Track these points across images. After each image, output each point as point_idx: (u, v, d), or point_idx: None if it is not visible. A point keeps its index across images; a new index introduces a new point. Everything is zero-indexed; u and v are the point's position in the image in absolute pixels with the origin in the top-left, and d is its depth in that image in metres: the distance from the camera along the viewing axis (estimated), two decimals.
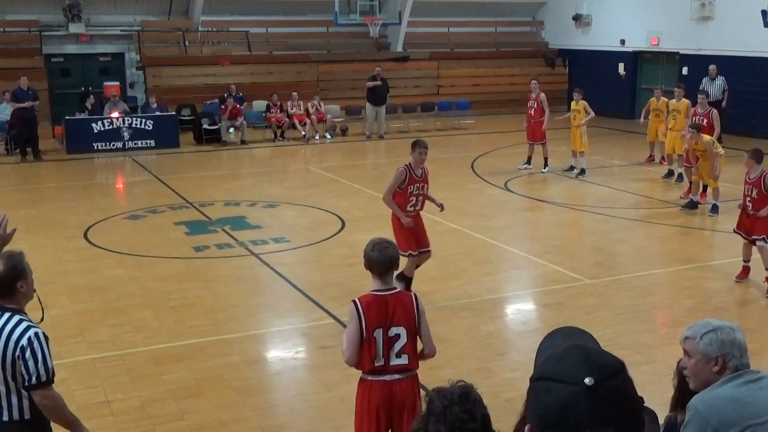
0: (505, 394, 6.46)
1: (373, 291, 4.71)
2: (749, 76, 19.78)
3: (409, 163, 8.64)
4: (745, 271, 9.48)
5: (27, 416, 4.04)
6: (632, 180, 15.91)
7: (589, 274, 9.81)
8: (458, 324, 8.27)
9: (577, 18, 26.48)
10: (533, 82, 16.92)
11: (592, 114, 16.05)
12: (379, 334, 4.61)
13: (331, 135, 21.38)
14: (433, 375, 6.77)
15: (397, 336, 4.64)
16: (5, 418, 4.02)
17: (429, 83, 25.94)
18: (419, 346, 4.79)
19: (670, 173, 15.47)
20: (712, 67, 19.58)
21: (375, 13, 22.44)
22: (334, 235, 11.69)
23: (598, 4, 25.91)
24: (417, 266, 8.90)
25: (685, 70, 22.65)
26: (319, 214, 13.00)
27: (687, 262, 10.53)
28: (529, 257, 10.71)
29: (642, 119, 16.96)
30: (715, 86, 19.04)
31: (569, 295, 9.08)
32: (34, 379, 3.93)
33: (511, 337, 8.21)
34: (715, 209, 12.68)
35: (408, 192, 8.55)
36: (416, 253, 8.70)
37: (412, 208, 8.62)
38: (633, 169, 16.91)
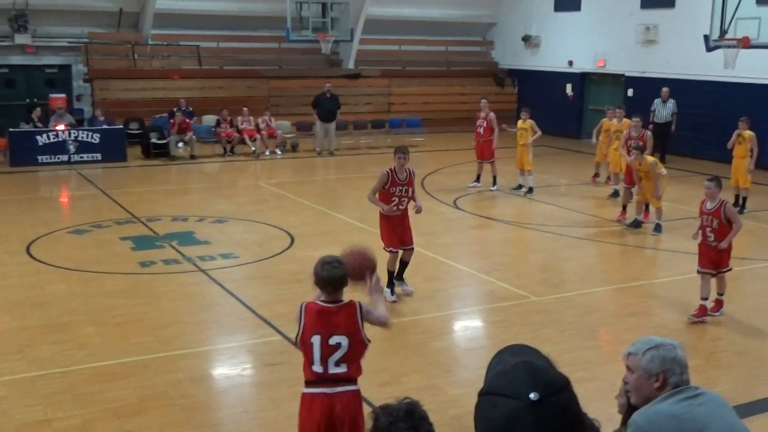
0: (453, 410, 6.49)
1: (321, 300, 4.83)
2: (692, 99, 20.29)
3: (393, 168, 9.41)
4: (703, 309, 8.84)
5: None
6: (579, 199, 16.17)
7: (536, 291, 9.93)
8: (406, 341, 8.29)
9: (526, 39, 26.92)
10: (483, 101, 17.14)
11: (539, 133, 16.29)
12: (316, 340, 4.70)
13: (281, 151, 21.32)
14: (380, 392, 6.78)
15: (338, 345, 4.72)
16: None
17: (380, 100, 26.07)
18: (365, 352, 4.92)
19: (616, 193, 15.77)
20: (664, 90, 20.01)
21: (327, 30, 22.48)
22: (283, 251, 11.63)
23: (546, 26, 26.39)
24: (405, 262, 9.61)
25: (630, 92, 23.16)
26: (268, 230, 12.93)
27: (631, 280, 10.72)
28: (477, 274, 10.79)
29: (594, 140, 17.28)
30: (666, 109, 19.48)
31: (516, 312, 9.16)
32: None
33: (459, 354, 8.24)
34: (658, 228, 12.95)
35: (391, 193, 9.35)
36: (397, 250, 9.45)
37: (396, 208, 9.38)
38: (580, 188, 17.19)
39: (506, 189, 16.55)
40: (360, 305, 4.83)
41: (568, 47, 25.47)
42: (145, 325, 8.59)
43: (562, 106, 25.59)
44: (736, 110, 17.44)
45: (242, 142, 20.83)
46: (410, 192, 9.42)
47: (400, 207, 9.41)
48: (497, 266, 11.12)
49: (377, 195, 9.41)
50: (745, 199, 14.82)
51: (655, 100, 19.82)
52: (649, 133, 14.49)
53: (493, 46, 29.08)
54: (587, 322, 8.95)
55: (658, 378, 3.28)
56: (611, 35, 23.85)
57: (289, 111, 23.73)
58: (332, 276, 4.72)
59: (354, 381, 4.83)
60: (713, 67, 18.97)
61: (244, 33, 24.86)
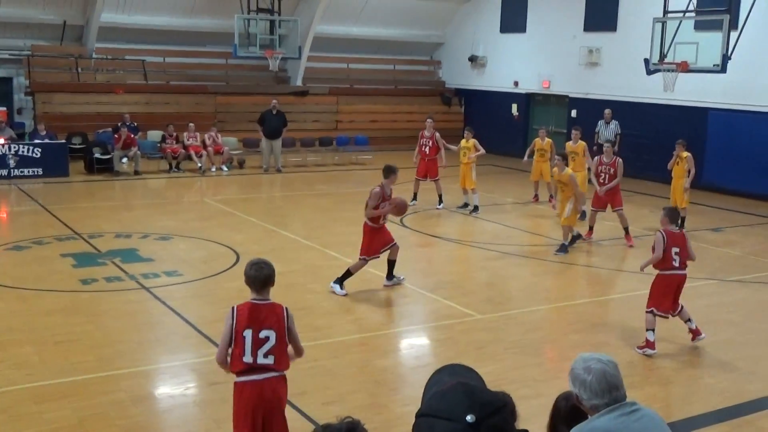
0: (397, 429, 6.50)
1: (250, 300, 5.40)
2: (634, 121, 20.76)
3: (382, 185, 10.47)
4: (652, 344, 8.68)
5: None
6: (524, 217, 16.39)
7: (481, 309, 10.02)
8: (351, 359, 8.29)
9: (473, 59, 27.28)
10: (428, 120, 17.30)
11: (482, 151, 16.51)
12: (248, 334, 5.25)
13: (227, 167, 21.18)
14: (324, 411, 6.78)
15: (267, 338, 5.27)
16: None
17: (328, 118, 26.11)
18: (290, 350, 5.45)
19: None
20: (607, 111, 20.41)
21: (275, 46, 22.47)
22: (229, 268, 11.53)
23: (493, 46, 26.77)
24: (393, 260, 10.61)
25: (574, 113, 23.61)
26: (214, 247, 12.81)
27: (574, 298, 10.90)
28: (422, 292, 10.84)
29: (525, 158, 17.53)
30: (608, 130, 19.88)
31: (461, 330, 9.23)
32: None
33: (404, 372, 8.26)
34: (563, 248, 12.86)
35: (380, 208, 10.34)
36: (370, 259, 10.45)
37: (383, 220, 10.51)
38: (525, 207, 17.41)
39: (452, 207, 16.68)
40: (287, 311, 5.39)
41: (514, 68, 25.88)
42: (85, 344, 8.43)
43: (508, 126, 25.96)
44: (675, 132, 17.94)
45: (188, 158, 20.64)
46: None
47: (385, 219, 10.63)
48: (442, 284, 11.19)
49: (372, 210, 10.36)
50: (683, 219, 15.19)
51: (599, 122, 20.24)
52: (620, 160, 14.27)
53: (441, 66, 29.39)
54: (531, 340, 9.06)
55: (577, 398, 3.38)
56: (556, 57, 24.31)
57: (235, 127, 23.62)
58: (260, 275, 5.36)
59: (282, 370, 5.38)
60: (653, 90, 19.45)
61: (191, 48, 24.72)
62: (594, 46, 23.02)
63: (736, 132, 19.38)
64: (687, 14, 17.01)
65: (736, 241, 14.58)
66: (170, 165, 20.53)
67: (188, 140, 20.82)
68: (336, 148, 23.85)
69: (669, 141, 16.70)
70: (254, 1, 22.18)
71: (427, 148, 16.85)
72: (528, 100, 25.81)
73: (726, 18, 15.89)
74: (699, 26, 17.25)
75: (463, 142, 16.71)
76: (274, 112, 21.45)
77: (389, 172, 10.73)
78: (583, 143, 15.79)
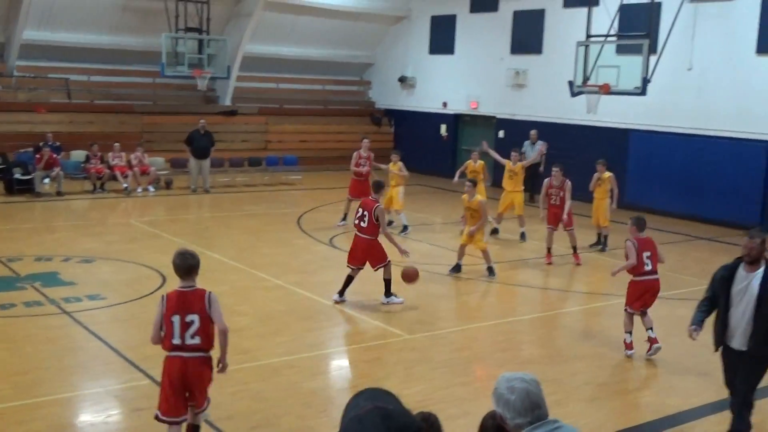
0: None
1: (178, 288, 6.11)
2: (558, 141, 21.17)
3: (378, 199, 11.01)
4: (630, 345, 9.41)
5: None
6: (453, 237, 16.49)
7: (409, 329, 10.04)
8: (280, 382, 8.20)
9: (402, 80, 27.53)
10: (365, 140, 17.42)
11: (405, 173, 16.72)
12: (176, 319, 5.98)
13: (154, 188, 20.83)
14: None
15: (192, 322, 5.99)
16: None
17: (257, 138, 25.96)
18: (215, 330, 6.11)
19: (495, 231, 16.22)
20: (533, 132, 20.83)
21: (203, 66, 22.28)
22: (155, 291, 11.30)
23: (422, 67, 27.08)
24: (388, 279, 10.99)
25: (501, 134, 24.01)
26: (139, 269, 12.56)
27: (501, 316, 11.03)
28: (351, 313, 10.82)
29: (456, 179, 17.70)
30: (534, 150, 20.26)
31: (390, 351, 9.24)
32: None
33: (333, 395, 8.21)
34: (491, 271, 12.83)
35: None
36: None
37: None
38: (454, 227, 17.55)
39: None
40: (209, 296, 6.10)
41: (443, 89, 26.21)
42: (1, 371, 8.14)
43: (437, 146, 26.24)
44: (599, 152, 18.35)
45: (113, 178, 20.23)
46: None
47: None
48: (372, 305, 11.19)
49: (373, 229, 10.86)
50: (606, 237, 15.56)
51: (525, 142, 20.62)
52: (569, 182, 14.42)
53: (370, 86, 29.56)
54: (459, 359, 9.12)
55: (501, 417, 3.42)
56: (483, 78, 24.72)
57: (163, 147, 23.27)
58: (184, 264, 6.11)
59: (207, 350, 6.09)
60: (578, 111, 19.95)
61: (117, 67, 24.29)
62: (520, 68, 23.49)
63: (656, 152, 20.00)
64: (609, 38, 17.53)
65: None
66: (94, 186, 20.08)
67: (113, 160, 20.43)
68: (265, 168, 23.72)
69: (593, 161, 17.10)
70: (182, 20, 21.96)
71: (364, 168, 16.94)
72: (456, 120, 26.15)
73: (646, 42, 16.43)
74: (620, 50, 17.78)
75: (390, 165, 16.82)
76: (202, 131, 21.23)
77: (380, 186, 11.28)
78: (521, 164, 16.14)
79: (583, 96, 17.84)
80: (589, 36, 17.66)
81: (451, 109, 26.07)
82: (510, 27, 23.87)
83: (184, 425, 6.19)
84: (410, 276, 10.88)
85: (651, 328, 9.35)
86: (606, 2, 18.30)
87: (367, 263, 11.01)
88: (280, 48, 26.51)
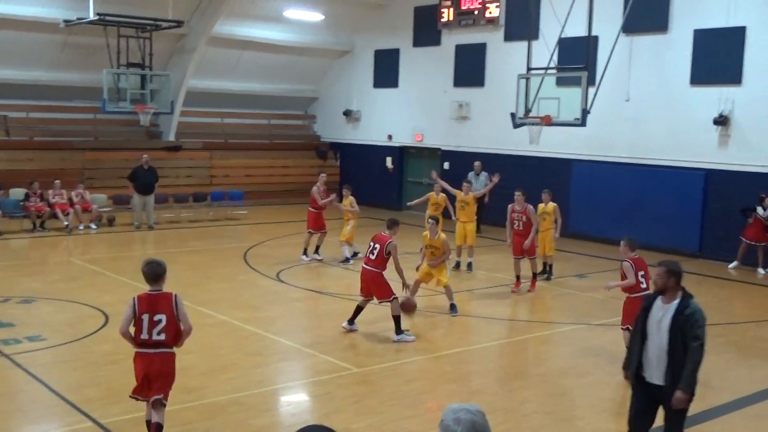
0: None
1: (147, 291, 7.01)
2: (503, 172, 21.28)
3: (392, 237, 11.32)
4: None
5: None
6: (404, 269, 16.51)
7: (358, 362, 10.00)
8: (227, 420, 8.06)
9: (347, 113, 27.67)
10: (322, 175, 17.76)
11: (357, 209, 16.88)
12: (145, 317, 6.89)
13: (96, 225, 20.46)
14: None
15: (160, 320, 6.89)
16: None
17: (202, 173, 25.75)
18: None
19: (457, 265, 16.26)
20: (477, 164, 21.09)
21: (146, 101, 22.05)
22: (97, 331, 11.06)
23: (366, 101, 27.27)
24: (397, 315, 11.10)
25: (446, 165, 24.23)
26: (81, 309, 12.28)
27: (450, 347, 11.04)
28: (300, 348, 10.73)
29: (410, 203, 18.04)
30: (479, 181, 20.49)
31: (338, 385, 9.17)
32: None
33: (281, 431, 8.10)
34: (454, 309, 12.61)
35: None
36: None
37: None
38: (402, 258, 17.55)
39: (333, 262, 16.70)
40: (176, 298, 7.00)
41: (388, 122, 26.42)
42: None
43: (383, 179, 26.37)
44: (542, 182, 18.68)
45: (54, 216, 19.82)
46: None
47: None
48: (320, 339, 11.12)
49: (383, 263, 11.27)
50: (551, 266, 15.75)
51: (470, 173, 20.85)
52: (531, 207, 14.60)
53: (315, 120, 29.63)
54: (408, 391, 9.09)
55: None
56: (427, 111, 25.00)
57: (105, 184, 22.94)
58: (152, 272, 7.00)
59: (170, 346, 7.00)
60: (521, 143, 20.27)
61: (57, 103, 23.94)
62: (464, 100, 23.83)
63: (598, 182, 20.40)
64: (549, 71, 17.88)
65: (600, 286, 15.15)
66: (34, 224, 19.64)
67: (54, 198, 20.03)
68: (210, 203, 23.51)
69: (537, 191, 17.37)
70: (124, 56, 21.77)
71: (325, 200, 17.08)
72: (402, 153, 26.33)
73: (584, 75, 16.80)
74: (560, 82, 18.15)
75: (343, 200, 16.92)
76: (146, 167, 20.98)
77: (395, 224, 11.67)
78: (473, 194, 16.32)
79: (525, 127, 18.12)
80: (529, 69, 17.99)
81: (397, 142, 26.27)
82: (453, 60, 24.22)
83: (150, 425, 7.05)
84: (409, 308, 11.31)
85: None
86: (545, 36, 18.71)
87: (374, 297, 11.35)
88: (225, 83, 26.47)
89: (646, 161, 19.54)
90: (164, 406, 7.02)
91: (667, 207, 19.03)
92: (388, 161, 26.47)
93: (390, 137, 26.42)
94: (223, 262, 16.58)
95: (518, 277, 14.42)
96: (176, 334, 6.99)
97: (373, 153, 26.85)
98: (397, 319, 11.01)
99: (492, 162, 21.64)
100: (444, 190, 16.76)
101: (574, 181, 20.86)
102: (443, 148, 24.63)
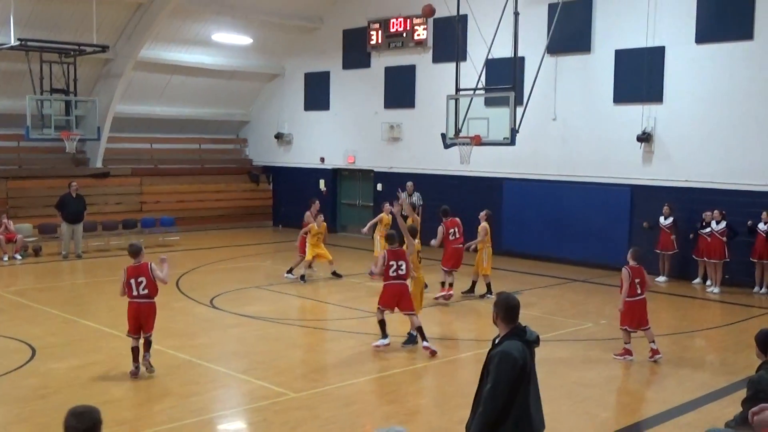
0: None
1: (131, 264, 10.34)
2: (435, 192, 21.63)
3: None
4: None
5: None
6: (336, 292, 16.49)
7: (295, 387, 9.90)
8: None
9: (279, 137, 27.56)
10: (317, 201, 18.42)
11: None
12: (133, 281, 10.24)
13: (21, 256, 19.88)
14: None
15: (142, 281, 10.26)
16: None
17: (131, 199, 25.27)
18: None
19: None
20: (409, 184, 21.21)
21: (72, 128, 21.55)
22: (23, 365, 10.71)
23: (298, 124, 27.22)
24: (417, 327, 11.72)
25: (379, 186, 24.33)
26: (6, 342, 11.87)
27: (387, 369, 11.01)
28: (235, 375, 10.57)
29: (365, 230, 18.10)
30: (411, 201, 20.59)
31: (275, 411, 9.05)
32: None
33: None
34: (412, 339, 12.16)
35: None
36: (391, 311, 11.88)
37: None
38: (336, 281, 17.55)
39: (263, 285, 16.56)
40: (150, 265, 10.40)
41: (320, 144, 26.41)
42: None
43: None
44: (475, 201, 18.94)
45: None
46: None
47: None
48: (256, 364, 10.98)
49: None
50: (489, 284, 15.87)
51: (402, 193, 20.92)
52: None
53: (247, 144, 29.43)
54: (346, 414, 9.03)
55: None
56: (359, 133, 25.09)
57: (30, 213, 22.31)
58: (132, 250, 10.50)
59: (152, 297, 10.37)
60: (452, 162, 20.46)
61: None
62: (395, 121, 24.00)
63: (528, 199, 20.75)
64: (477, 92, 18.14)
65: (534, 302, 15.42)
66: None
67: None
68: (141, 230, 23.08)
69: (470, 210, 17.59)
70: (48, 82, 21.28)
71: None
72: (335, 175, 26.33)
73: (511, 95, 17.09)
74: (489, 102, 18.42)
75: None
76: (74, 195, 20.51)
77: (393, 239, 12.01)
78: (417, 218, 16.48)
79: (456, 147, 18.31)
80: (458, 89, 18.22)
81: (329, 164, 26.27)
82: (383, 82, 24.40)
83: (141, 342, 10.28)
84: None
85: (653, 341, 11.35)
86: (473, 57, 19.02)
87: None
88: (153, 108, 26.10)
89: (574, 178, 19.97)
90: (150, 343, 10.38)
91: (596, 223, 19.46)
92: (321, 184, 26.43)
93: (322, 160, 26.41)
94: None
95: (449, 284, 15.36)
96: (154, 288, 10.35)
97: (306, 176, 26.78)
98: (420, 330, 11.70)
99: (424, 182, 21.82)
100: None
101: (506, 199, 21.16)
102: (376, 169, 24.73)
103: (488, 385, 5.29)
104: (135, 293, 10.23)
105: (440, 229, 15.92)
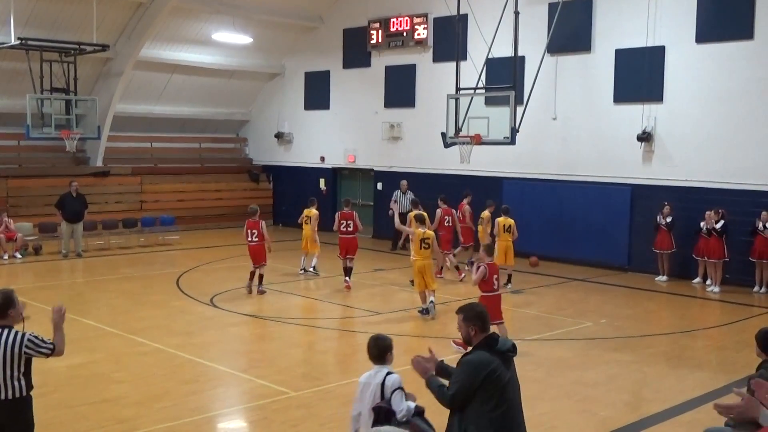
0: None
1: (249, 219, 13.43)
2: (433, 191, 21.59)
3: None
4: None
5: (24, 393, 6.04)
6: (335, 291, 16.49)
7: (295, 386, 9.90)
8: None
9: (279, 136, 27.57)
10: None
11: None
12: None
13: (22, 254, 19.89)
14: None
15: (254, 232, 14.76)
16: (9, 396, 5.96)
17: (131, 198, 25.28)
18: None
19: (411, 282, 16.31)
20: (403, 182, 21.29)
21: (72, 127, 21.55)
22: None
23: (298, 123, 27.23)
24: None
25: (380, 185, 24.34)
26: None
27: None
28: (235, 373, 10.58)
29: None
30: (406, 199, 20.63)
31: (275, 409, 9.06)
32: (48, 351, 6.14)
33: None
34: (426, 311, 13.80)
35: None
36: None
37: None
38: (335, 280, 17.54)
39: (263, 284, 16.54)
40: (262, 223, 14.66)
41: (320, 144, 26.42)
42: None
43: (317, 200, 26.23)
44: (474, 200, 18.92)
45: None
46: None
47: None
48: (255, 363, 10.99)
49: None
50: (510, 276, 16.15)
51: (396, 192, 21.07)
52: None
53: (247, 143, 29.44)
54: (346, 413, 8.97)
55: None
56: (359, 132, 25.09)
57: (30, 212, 22.30)
58: (251, 210, 15.29)
59: (260, 242, 14.46)
60: (452, 162, 20.46)
61: None
62: (395, 121, 24.00)
63: (528, 199, 20.73)
64: (477, 91, 18.15)
65: (534, 301, 15.43)
66: None
67: None
68: (141, 229, 23.09)
69: (471, 209, 17.61)
70: (48, 81, 21.28)
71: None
72: (335, 174, 26.33)
73: (512, 94, 17.10)
74: (489, 102, 18.42)
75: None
76: (74, 194, 20.51)
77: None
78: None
79: (456, 146, 18.33)
80: (458, 89, 18.23)
81: (329, 163, 26.27)
82: (383, 81, 24.40)
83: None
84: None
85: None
86: (473, 57, 19.03)
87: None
88: (153, 107, 26.11)
89: (574, 177, 19.97)
90: (262, 276, 15.16)
91: (596, 222, 19.46)
92: (322, 183, 26.44)
93: (323, 159, 26.42)
94: (155, 289, 16.28)
95: (449, 268, 16.82)
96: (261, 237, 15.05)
97: (306, 175, 26.79)
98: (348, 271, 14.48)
99: (424, 181, 21.83)
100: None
101: (506, 198, 21.11)
102: (376, 168, 24.73)
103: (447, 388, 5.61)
104: (247, 239, 15.24)
105: (438, 213, 17.54)
